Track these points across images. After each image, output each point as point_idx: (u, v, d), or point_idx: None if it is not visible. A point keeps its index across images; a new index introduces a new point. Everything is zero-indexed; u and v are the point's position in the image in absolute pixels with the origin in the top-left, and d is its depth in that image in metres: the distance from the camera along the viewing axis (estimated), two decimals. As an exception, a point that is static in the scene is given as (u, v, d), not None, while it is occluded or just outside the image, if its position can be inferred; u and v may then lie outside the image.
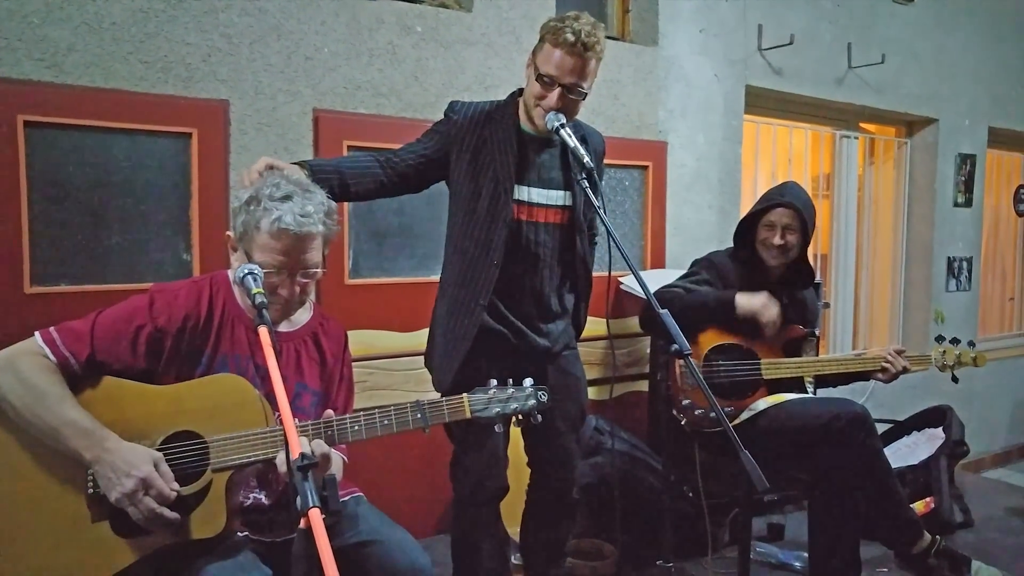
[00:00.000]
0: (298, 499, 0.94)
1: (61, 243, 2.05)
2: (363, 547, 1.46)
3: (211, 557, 1.34)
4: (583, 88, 1.77)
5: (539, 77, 1.76)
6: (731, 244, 2.53)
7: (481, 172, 1.83)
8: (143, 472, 1.30)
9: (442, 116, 1.91)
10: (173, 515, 1.31)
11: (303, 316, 1.58)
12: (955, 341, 2.44)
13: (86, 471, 1.34)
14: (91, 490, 1.34)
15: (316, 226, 1.43)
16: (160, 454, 1.34)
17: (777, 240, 2.34)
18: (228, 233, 1.49)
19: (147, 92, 2.12)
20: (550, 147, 1.89)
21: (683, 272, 2.56)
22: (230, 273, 1.53)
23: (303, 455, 0.98)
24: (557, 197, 1.89)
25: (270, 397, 1.43)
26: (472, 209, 1.84)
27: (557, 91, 1.75)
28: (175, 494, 1.32)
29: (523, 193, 1.85)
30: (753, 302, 2.28)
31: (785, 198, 2.35)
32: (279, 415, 1.45)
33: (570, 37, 1.70)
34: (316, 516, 0.91)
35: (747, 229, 2.43)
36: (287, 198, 1.41)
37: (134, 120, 2.10)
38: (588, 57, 1.73)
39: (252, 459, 1.38)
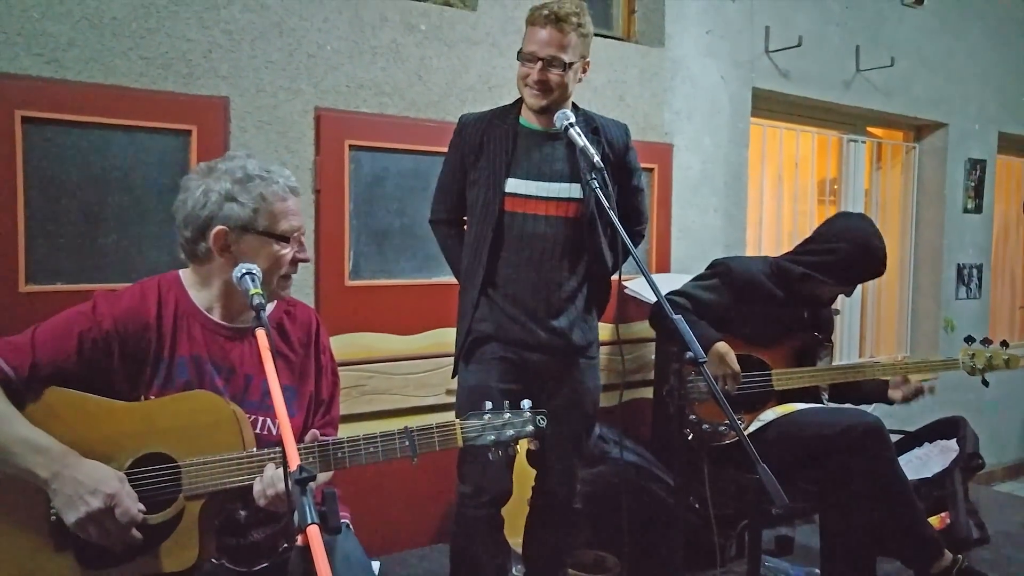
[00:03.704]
0: (295, 515, 0.88)
1: (57, 241, 2.02)
2: None
3: None
4: (564, 59, 1.80)
5: (519, 55, 1.82)
6: (734, 246, 2.48)
7: (480, 174, 1.88)
8: (111, 488, 1.20)
9: (453, 124, 1.97)
10: (139, 536, 1.23)
11: (267, 307, 1.46)
12: (986, 342, 2.36)
13: (48, 497, 1.23)
14: (54, 517, 1.24)
15: None
16: (123, 474, 1.24)
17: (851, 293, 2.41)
18: (220, 229, 1.34)
19: (147, 88, 2.09)
20: (553, 140, 1.89)
21: (688, 276, 2.51)
22: (184, 275, 1.43)
23: (301, 467, 0.93)
24: (562, 190, 1.88)
25: (236, 398, 1.37)
26: (472, 212, 1.92)
27: (537, 66, 1.80)
28: (142, 516, 1.23)
29: (519, 187, 1.86)
30: (724, 363, 2.20)
31: (886, 261, 2.35)
32: (262, 419, 1.38)
33: (544, 12, 1.78)
34: (315, 534, 0.85)
35: (847, 273, 2.31)
36: (263, 167, 1.39)
37: (133, 117, 2.07)
38: (563, 28, 1.78)
39: (227, 486, 1.28)
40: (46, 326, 1.32)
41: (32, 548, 1.24)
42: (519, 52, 1.83)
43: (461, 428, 1.39)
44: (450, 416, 1.48)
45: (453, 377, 1.97)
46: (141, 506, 1.24)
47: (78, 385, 1.30)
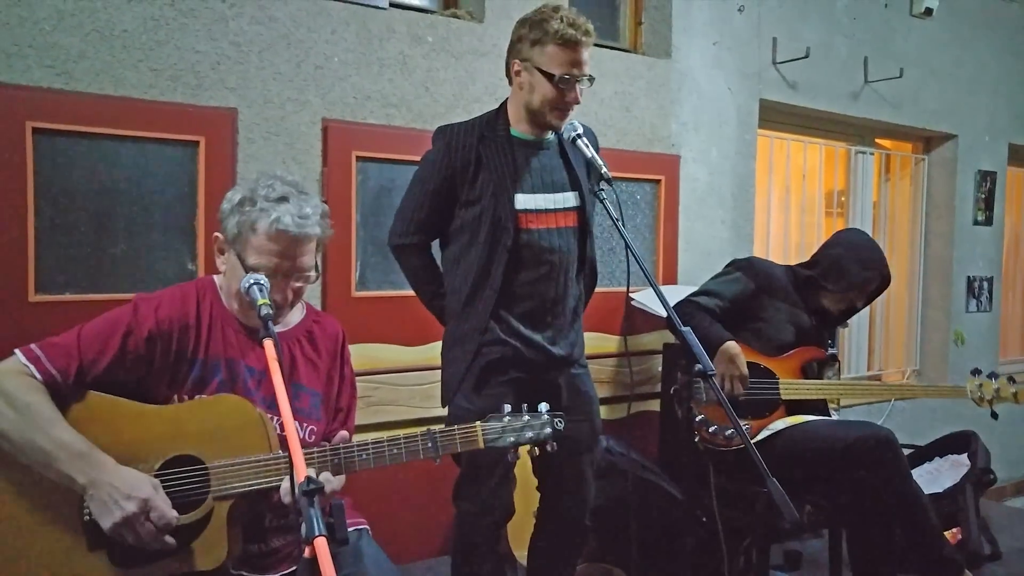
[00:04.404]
0: (302, 526, 0.90)
1: (66, 251, 2.03)
2: None
3: None
4: (591, 75, 1.78)
5: (558, 80, 1.73)
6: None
7: (481, 192, 1.79)
8: (145, 493, 1.25)
9: (432, 144, 1.87)
10: (172, 540, 1.27)
11: (296, 316, 1.53)
12: (993, 376, 2.38)
13: (80, 497, 1.28)
14: (87, 517, 1.29)
15: (314, 228, 1.40)
16: (158, 480, 1.29)
17: (861, 304, 2.44)
18: (216, 235, 1.45)
19: (156, 100, 2.11)
20: (544, 148, 1.86)
21: (694, 288, 2.52)
22: (217, 279, 1.49)
23: (309, 479, 0.94)
24: (565, 199, 1.85)
25: (267, 400, 1.40)
26: (474, 232, 1.81)
27: (576, 87, 1.75)
28: (176, 520, 1.27)
29: (528, 202, 1.81)
30: (733, 364, 2.22)
31: (883, 270, 2.41)
32: (282, 432, 1.40)
33: (573, 32, 1.72)
34: (322, 545, 0.87)
35: (838, 275, 2.40)
36: (283, 199, 1.38)
37: (142, 128, 2.08)
38: (589, 44, 1.76)
39: (255, 487, 1.32)
40: (90, 329, 1.36)
41: (66, 547, 1.28)
42: (551, 76, 1.72)
43: (482, 430, 1.41)
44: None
45: (445, 405, 1.90)
46: (175, 513, 1.27)
47: (119, 386, 1.35)
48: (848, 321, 2.65)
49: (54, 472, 1.25)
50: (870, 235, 2.59)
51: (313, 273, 1.44)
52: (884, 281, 2.43)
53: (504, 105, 1.88)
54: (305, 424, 1.45)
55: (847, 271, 2.38)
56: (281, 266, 1.38)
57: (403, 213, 1.89)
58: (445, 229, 1.87)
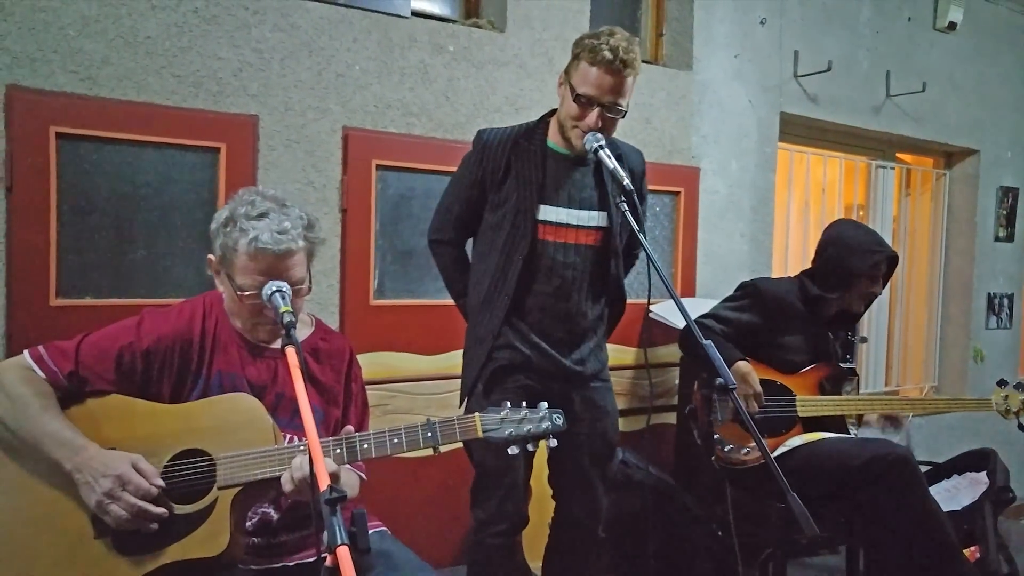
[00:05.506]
0: (324, 535, 0.89)
1: (88, 256, 2.04)
2: None
3: None
4: (621, 106, 1.74)
5: (576, 97, 1.72)
6: (760, 272, 2.47)
7: (507, 197, 1.81)
8: (119, 470, 1.30)
9: (472, 146, 1.90)
10: (159, 509, 1.30)
11: (301, 332, 1.53)
12: (1020, 386, 2.35)
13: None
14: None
15: (295, 242, 1.40)
16: (139, 455, 1.34)
17: (879, 290, 2.35)
18: (209, 257, 1.47)
19: (178, 106, 2.11)
20: (582, 166, 1.86)
21: (714, 302, 2.50)
22: (224, 294, 1.51)
23: (331, 487, 0.94)
24: (591, 218, 1.85)
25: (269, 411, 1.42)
26: (495, 235, 1.83)
27: (596, 111, 1.72)
28: (157, 490, 1.31)
29: (550, 214, 1.81)
30: (745, 383, 2.19)
31: (886, 250, 2.34)
32: (288, 437, 1.45)
33: (608, 55, 1.68)
34: (344, 554, 0.86)
35: (843, 274, 2.34)
36: (263, 216, 1.39)
37: (164, 134, 2.09)
38: (627, 74, 1.71)
39: (259, 476, 1.36)
40: (94, 336, 1.43)
41: (77, 534, 1.34)
42: (573, 91, 1.72)
43: (480, 419, 1.43)
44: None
45: (461, 405, 1.93)
46: (158, 482, 1.32)
47: (120, 392, 1.40)
48: (866, 336, 2.60)
49: (44, 456, 1.32)
50: (849, 219, 2.52)
51: (305, 286, 1.44)
52: (891, 261, 2.37)
53: (548, 115, 1.89)
54: (302, 439, 1.45)
55: (850, 267, 2.31)
56: (267, 284, 1.38)
57: (440, 210, 1.96)
58: (477, 229, 1.91)
